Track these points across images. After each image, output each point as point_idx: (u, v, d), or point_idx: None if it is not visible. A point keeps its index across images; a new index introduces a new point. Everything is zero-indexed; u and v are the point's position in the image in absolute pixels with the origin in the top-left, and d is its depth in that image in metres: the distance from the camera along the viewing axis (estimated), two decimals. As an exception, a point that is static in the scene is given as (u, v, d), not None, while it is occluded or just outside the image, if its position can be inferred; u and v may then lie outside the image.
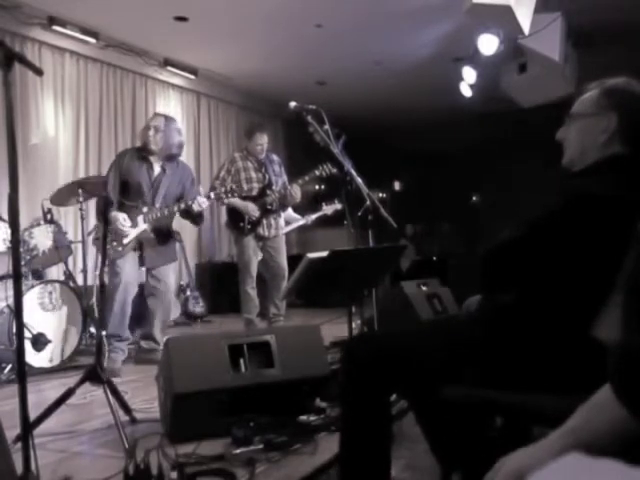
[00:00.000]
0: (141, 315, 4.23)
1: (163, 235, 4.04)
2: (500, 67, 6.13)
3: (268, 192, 4.71)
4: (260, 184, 4.73)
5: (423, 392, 1.63)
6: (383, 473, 1.54)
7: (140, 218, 3.88)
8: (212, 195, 3.95)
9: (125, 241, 3.83)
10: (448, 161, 9.81)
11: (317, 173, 4.57)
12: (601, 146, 1.49)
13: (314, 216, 5.29)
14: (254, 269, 4.73)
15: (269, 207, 4.71)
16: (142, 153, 3.98)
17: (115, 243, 3.81)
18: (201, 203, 3.83)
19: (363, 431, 1.52)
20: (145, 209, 3.89)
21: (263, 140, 4.73)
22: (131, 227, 3.83)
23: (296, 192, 4.67)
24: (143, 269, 4.04)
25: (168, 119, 4.02)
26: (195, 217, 4.02)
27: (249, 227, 4.65)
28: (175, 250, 4.25)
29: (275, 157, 4.96)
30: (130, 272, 3.85)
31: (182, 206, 3.86)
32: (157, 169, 3.99)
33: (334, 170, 4.40)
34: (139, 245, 3.92)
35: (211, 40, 6.30)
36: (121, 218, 3.79)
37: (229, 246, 7.32)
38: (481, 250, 1.52)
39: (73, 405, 2.81)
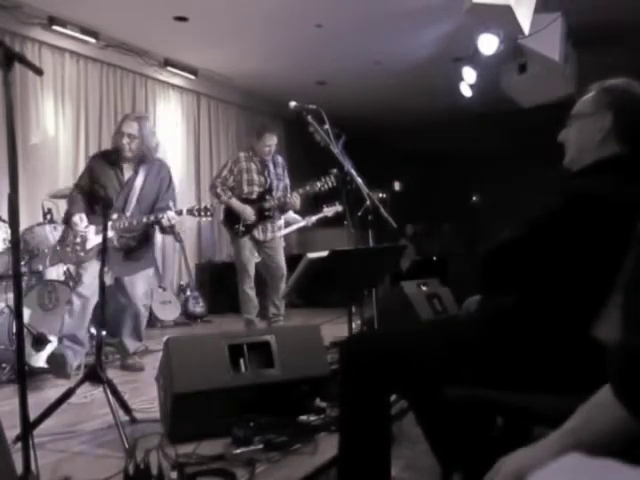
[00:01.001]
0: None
1: (134, 247, 3.76)
2: (500, 67, 6.13)
3: (267, 197, 4.71)
4: (261, 188, 4.72)
5: (423, 392, 1.63)
6: (383, 474, 1.54)
7: (108, 225, 3.53)
8: (184, 212, 3.55)
9: (88, 246, 3.59)
10: (448, 161, 9.80)
11: (319, 185, 4.58)
12: (598, 145, 1.50)
13: (314, 218, 5.29)
14: (252, 269, 4.73)
15: (267, 213, 4.70)
16: (112, 157, 3.70)
17: (78, 248, 3.61)
18: (170, 218, 3.49)
19: (362, 431, 1.52)
20: (114, 216, 3.58)
21: (272, 141, 4.71)
22: (96, 234, 3.56)
23: (296, 201, 4.68)
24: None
25: (141, 121, 3.69)
26: (167, 232, 3.73)
27: (243, 230, 4.65)
28: (149, 257, 3.93)
29: (280, 159, 4.94)
30: (91, 279, 3.51)
31: (152, 218, 3.55)
32: (128, 173, 3.72)
33: (335, 184, 4.44)
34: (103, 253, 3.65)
35: (211, 40, 6.30)
36: (77, 219, 3.57)
37: (229, 246, 7.31)
38: (481, 250, 1.52)
39: (73, 405, 2.81)
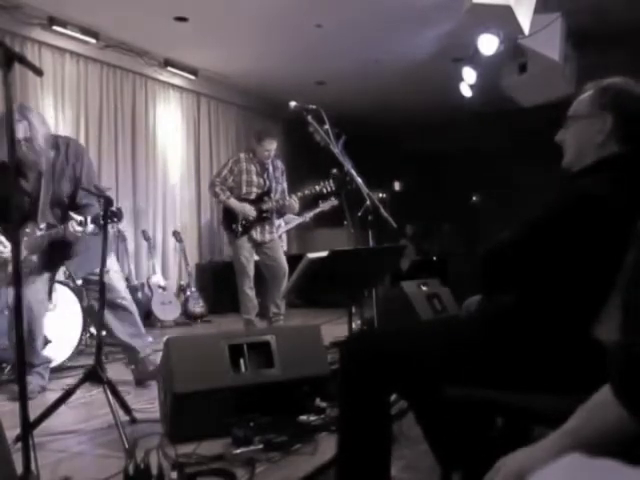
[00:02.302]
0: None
1: (69, 247, 3.18)
2: (500, 67, 6.13)
3: (266, 199, 4.73)
4: (260, 190, 4.75)
5: (423, 392, 1.63)
6: (383, 474, 1.54)
7: (24, 241, 3.03)
8: (88, 221, 2.83)
9: (9, 269, 2.99)
10: (448, 161, 9.79)
11: (317, 189, 4.61)
12: (598, 146, 1.49)
13: (311, 213, 5.30)
14: (251, 269, 4.74)
15: (265, 214, 4.72)
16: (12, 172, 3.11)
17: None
18: (74, 232, 2.89)
19: (362, 431, 1.52)
20: (28, 229, 3.03)
21: (272, 146, 4.73)
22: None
23: (294, 204, 4.70)
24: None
25: (28, 116, 2.99)
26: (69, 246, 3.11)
27: (241, 230, 4.66)
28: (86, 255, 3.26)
29: (279, 163, 4.97)
30: (31, 294, 3.09)
31: (53, 235, 3.02)
32: (31, 175, 3.09)
33: (334, 188, 4.47)
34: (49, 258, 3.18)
35: (211, 40, 6.30)
36: None
37: (229, 246, 7.32)
38: (481, 250, 1.52)
39: (73, 405, 2.81)
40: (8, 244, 3.01)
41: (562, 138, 1.60)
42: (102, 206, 2.72)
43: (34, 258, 3.11)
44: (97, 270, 3.01)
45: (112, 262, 3.37)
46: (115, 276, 3.38)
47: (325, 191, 4.59)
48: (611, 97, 1.49)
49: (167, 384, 2.34)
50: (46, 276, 3.26)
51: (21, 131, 2.93)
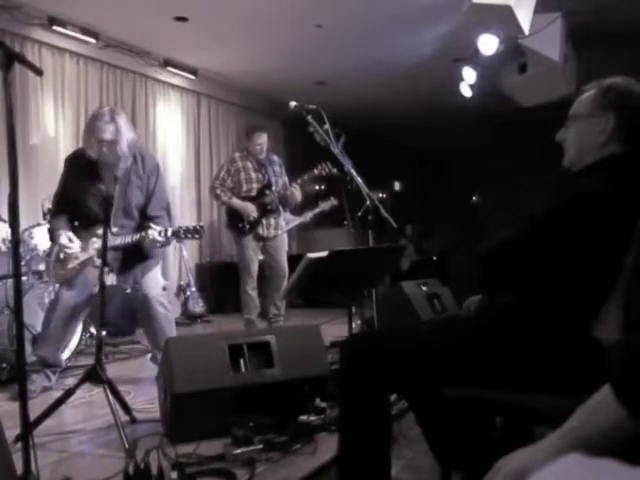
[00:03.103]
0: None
1: (130, 252, 3.26)
2: (500, 67, 6.12)
3: (267, 192, 4.74)
4: (259, 184, 4.75)
5: (423, 392, 1.63)
6: (383, 474, 1.54)
7: (92, 241, 3.18)
8: (169, 233, 2.98)
9: (69, 266, 3.18)
10: (448, 161, 9.80)
11: (316, 172, 4.60)
12: (600, 146, 1.49)
13: (311, 213, 5.30)
14: (255, 269, 4.75)
15: (268, 207, 4.72)
16: (86, 166, 3.17)
17: (59, 265, 3.22)
18: (153, 240, 2.99)
19: (362, 431, 1.52)
20: (100, 231, 2.97)
21: (262, 140, 4.75)
22: (82, 251, 3.18)
23: (296, 193, 4.69)
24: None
25: (117, 119, 3.09)
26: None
27: (248, 227, 4.67)
28: (155, 254, 3.43)
29: (275, 157, 4.98)
30: (74, 296, 3.19)
31: (131, 240, 3.10)
32: (108, 177, 3.21)
33: (334, 169, 4.44)
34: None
35: (211, 40, 6.30)
36: (63, 237, 3.16)
37: (229, 246, 7.32)
38: (481, 250, 1.52)
39: (73, 405, 2.81)
40: (77, 241, 3.18)
41: (563, 138, 1.60)
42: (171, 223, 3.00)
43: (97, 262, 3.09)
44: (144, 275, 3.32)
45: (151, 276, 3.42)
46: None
47: (324, 173, 4.58)
48: (613, 97, 1.49)
49: (167, 384, 2.34)
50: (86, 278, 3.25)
51: (108, 132, 3.04)
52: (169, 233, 2.99)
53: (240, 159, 4.79)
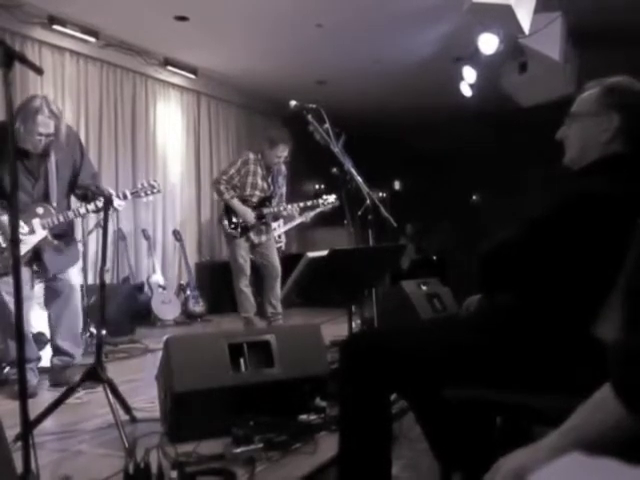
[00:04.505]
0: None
1: (65, 234, 3.31)
2: (500, 67, 6.12)
3: (267, 204, 4.77)
4: (263, 194, 4.79)
5: (423, 392, 1.63)
6: (383, 473, 1.54)
7: (36, 222, 3.12)
8: (128, 195, 3.12)
9: (22, 252, 3.02)
10: (448, 161, 9.80)
11: (319, 203, 4.80)
12: (603, 145, 1.49)
13: (312, 213, 5.30)
14: (247, 268, 4.78)
15: (264, 220, 4.78)
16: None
17: (7, 254, 3.05)
18: (117, 206, 3.06)
19: (362, 430, 1.52)
20: (40, 210, 3.11)
21: (284, 153, 4.75)
22: (28, 234, 3.11)
23: (294, 213, 4.90)
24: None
25: (56, 112, 3.09)
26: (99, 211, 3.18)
27: (240, 231, 4.70)
28: (77, 247, 3.55)
29: (284, 168, 4.99)
30: (24, 288, 3.07)
31: (91, 208, 3.10)
32: (34, 156, 3.16)
33: (337, 203, 4.70)
34: (34, 253, 3.20)
35: (211, 40, 6.30)
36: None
37: (227, 245, 7.32)
38: (481, 250, 1.52)
39: (73, 405, 2.81)
40: (24, 225, 3.08)
41: (564, 135, 1.60)
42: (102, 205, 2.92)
43: (54, 240, 3.20)
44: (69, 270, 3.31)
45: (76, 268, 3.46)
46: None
47: (326, 204, 4.75)
48: (618, 97, 1.48)
49: (167, 384, 2.34)
50: (28, 270, 3.23)
51: (51, 126, 3.06)
52: (128, 194, 3.12)
53: (253, 162, 4.77)
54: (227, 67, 7.15)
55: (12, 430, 1.79)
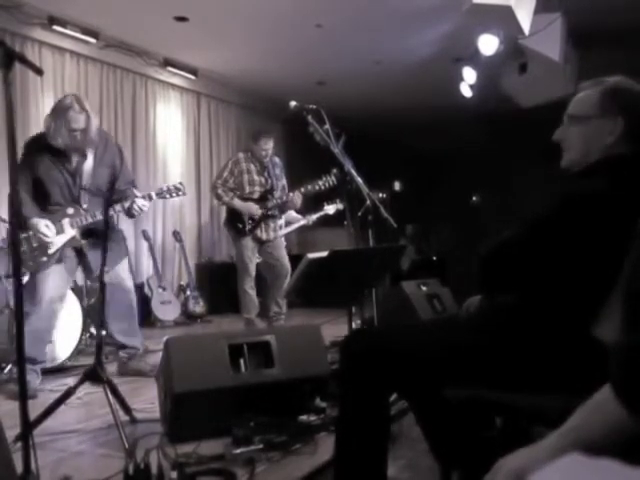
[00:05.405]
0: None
1: (104, 232, 3.42)
2: (500, 67, 6.12)
3: (269, 197, 4.75)
4: (262, 188, 4.77)
5: (423, 392, 1.63)
6: (378, 473, 1.54)
7: (66, 222, 3.26)
8: (154, 196, 3.33)
9: (50, 251, 3.22)
10: (448, 161, 9.80)
11: (320, 183, 4.61)
12: (606, 147, 1.48)
13: (315, 216, 5.29)
14: (253, 269, 4.75)
15: (269, 212, 4.73)
16: (49, 145, 3.24)
17: (37, 253, 3.21)
18: (142, 206, 3.24)
19: (359, 430, 1.52)
20: (70, 210, 3.27)
21: (268, 145, 4.75)
22: (57, 234, 3.24)
23: (297, 200, 4.70)
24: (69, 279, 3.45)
25: (86, 107, 3.22)
26: (134, 216, 3.43)
27: (248, 229, 4.67)
28: (125, 244, 3.66)
29: (277, 160, 4.99)
30: (53, 288, 3.24)
31: (117, 209, 3.24)
32: (75, 158, 3.31)
33: (336, 182, 4.48)
34: (78, 252, 3.35)
35: (211, 40, 6.30)
36: (42, 225, 3.18)
37: (229, 246, 7.32)
38: (481, 250, 1.52)
39: (73, 405, 2.81)
40: (52, 226, 3.23)
41: (562, 137, 1.59)
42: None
43: (81, 240, 3.33)
44: (117, 268, 3.44)
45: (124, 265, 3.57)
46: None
47: (327, 185, 4.60)
48: (623, 99, 1.48)
49: (167, 384, 2.34)
50: (63, 269, 3.33)
51: (81, 122, 3.18)
52: (153, 195, 3.32)
53: (244, 160, 4.79)
54: (227, 67, 7.16)
55: (12, 431, 1.79)
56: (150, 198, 3.31)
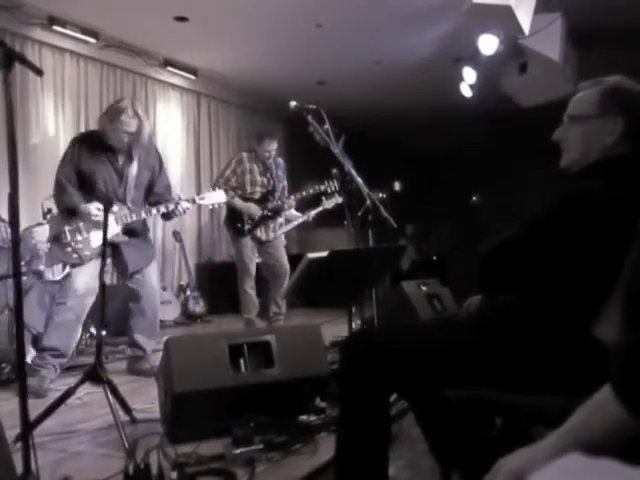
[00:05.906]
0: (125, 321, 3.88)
1: (139, 231, 3.59)
2: (500, 67, 6.12)
3: (270, 198, 4.76)
4: (264, 189, 4.78)
5: (423, 392, 1.63)
6: (379, 473, 1.54)
7: (111, 218, 3.27)
8: (197, 199, 3.59)
9: (94, 244, 3.29)
10: (448, 161, 9.80)
11: (322, 189, 4.68)
12: (606, 147, 1.48)
13: (314, 212, 5.29)
14: (253, 269, 4.75)
15: (269, 213, 4.75)
16: (103, 141, 3.39)
17: (81, 246, 3.29)
18: (185, 209, 3.47)
19: (360, 430, 1.52)
20: (116, 208, 3.36)
21: (272, 147, 4.77)
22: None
23: (292, 203, 4.83)
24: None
25: (140, 113, 3.39)
26: (170, 219, 3.66)
27: (248, 228, 4.68)
28: (153, 248, 3.82)
29: (281, 161, 5.00)
30: (88, 281, 3.30)
31: (162, 210, 3.43)
32: (121, 159, 3.46)
33: (338, 187, 4.56)
34: (113, 248, 3.42)
35: (211, 40, 6.30)
36: (93, 208, 3.26)
37: (229, 246, 7.32)
38: (481, 250, 1.52)
39: (73, 405, 2.81)
40: (102, 208, 3.19)
41: (561, 137, 1.59)
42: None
43: (125, 236, 3.45)
44: (148, 265, 3.61)
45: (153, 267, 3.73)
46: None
47: (329, 191, 4.65)
48: (623, 99, 1.48)
49: (167, 384, 2.34)
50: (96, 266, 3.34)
51: (133, 126, 3.33)
52: (197, 199, 3.59)
53: (248, 160, 4.79)
54: (227, 67, 7.16)
55: (12, 431, 1.79)
56: (194, 201, 3.56)
